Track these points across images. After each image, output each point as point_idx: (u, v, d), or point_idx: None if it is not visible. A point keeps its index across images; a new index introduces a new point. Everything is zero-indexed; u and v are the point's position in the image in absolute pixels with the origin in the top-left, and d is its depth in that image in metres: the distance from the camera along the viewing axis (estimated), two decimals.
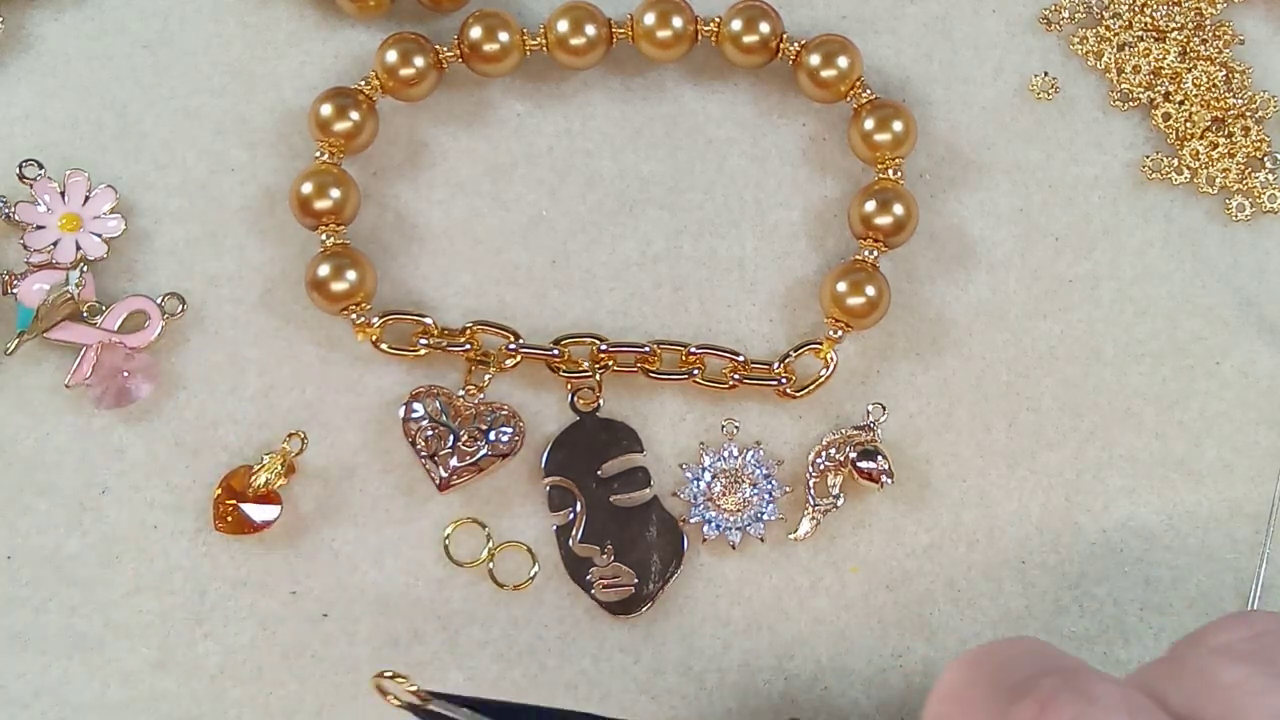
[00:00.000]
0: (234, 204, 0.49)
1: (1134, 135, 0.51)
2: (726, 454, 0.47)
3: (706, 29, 0.49)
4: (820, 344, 0.48)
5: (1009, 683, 0.34)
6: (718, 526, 0.46)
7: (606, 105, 0.51)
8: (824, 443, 0.47)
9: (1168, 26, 0.51)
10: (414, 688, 0.38)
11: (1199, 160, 0.50)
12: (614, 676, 0.46)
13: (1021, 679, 0.34)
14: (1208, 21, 0.51)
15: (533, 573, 0.46)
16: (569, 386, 0.48)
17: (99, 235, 0.48)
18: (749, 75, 0.51)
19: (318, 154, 0.48)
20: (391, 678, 0.38)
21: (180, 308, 0.48)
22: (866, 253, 0.48)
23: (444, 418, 0.47)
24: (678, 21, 0.49)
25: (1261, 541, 0.47)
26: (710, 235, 0.49)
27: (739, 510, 0.46)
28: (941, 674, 0.36)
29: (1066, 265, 0.49)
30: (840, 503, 0.47)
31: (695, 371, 0.47)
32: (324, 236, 0.48)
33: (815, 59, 0.49)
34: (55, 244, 0.48)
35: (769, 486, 0.47)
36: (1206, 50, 0.51)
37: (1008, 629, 0.46)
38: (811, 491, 0.47)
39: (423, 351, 0.47)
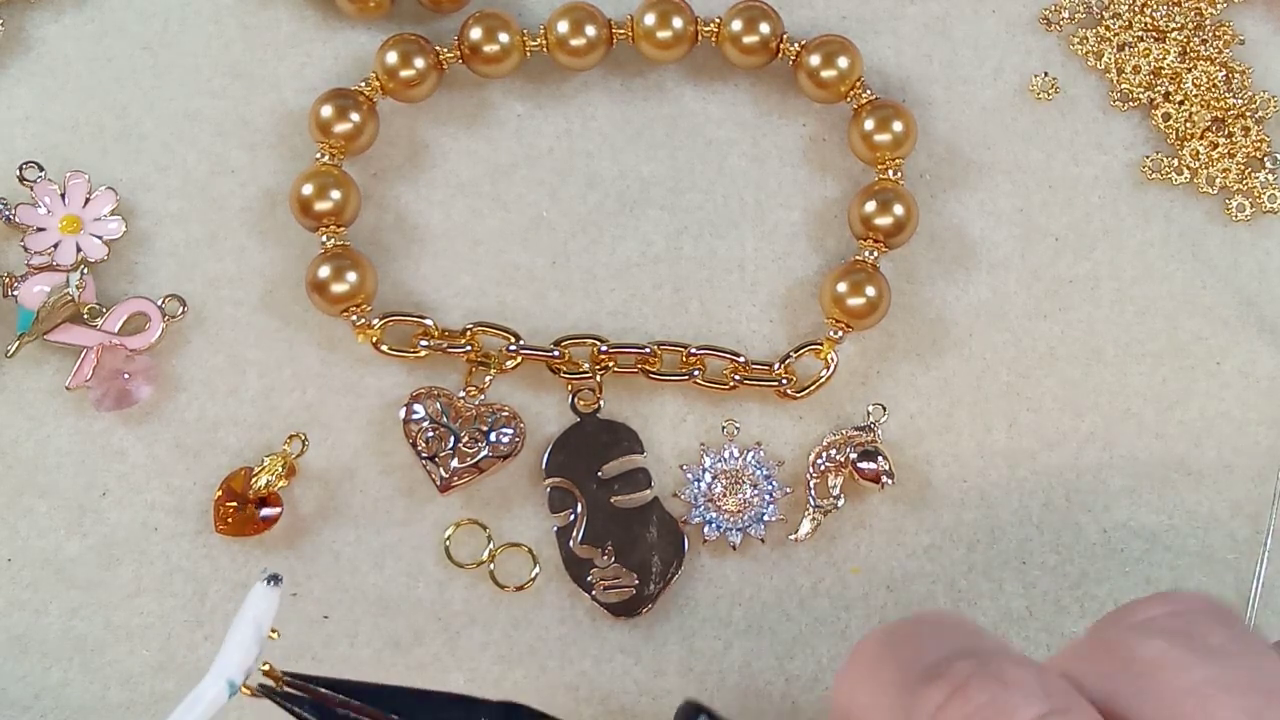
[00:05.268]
0: (234, 205, 0.49)
1: (1134, 135, 0.51)
2: (727, 455, 0.47)
3: (706, 29, 0.49)
4: (820, 344, 0.48)
5: (922, 663, 0.32)
6: (718, 527, 0.46)
7: (607, 106, 0.51)
8: (824, 443, 0.47)
9: (1168, 26, 0.51)
10: (266, 666, 0.36)
11: (1199, 160, 0.50)
12: (615, 678, 0.46)
13: (935, 660, 0.32)
14: (1208, 21, 0.51)
15: (534, 574, 0.46)
16: (569, 388, 0.48)
17: (99, 237, 0.48)
18: (749, 75, 0.51)
19: (318, 155, 0.48)
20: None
21: (181, 309, 0.48)
22: (866, 253, 0.48)
23: (444, 419, 0.47)
24: (678, 22, 0.49)
25: (1261, 541, 0.47)
26: (710, 236, 0.49)
27: (740, 511, 0.46)
28: (852, 649, 0.35)
29: (1066, 265, 0.49)
30: (841, 503, 0.47)
31: (696, 372, 0.47)
32: (324, 238, 0.48)
33: (815, 59, 0.49)
34: (56, 246, 0.48)
35: (769, 487, 0.47)
36: (1206, 50, 0.51)
37: (1008, 630, 0.46)
38: (812, 492, 0.47)
39: (423, 353, 0.47)
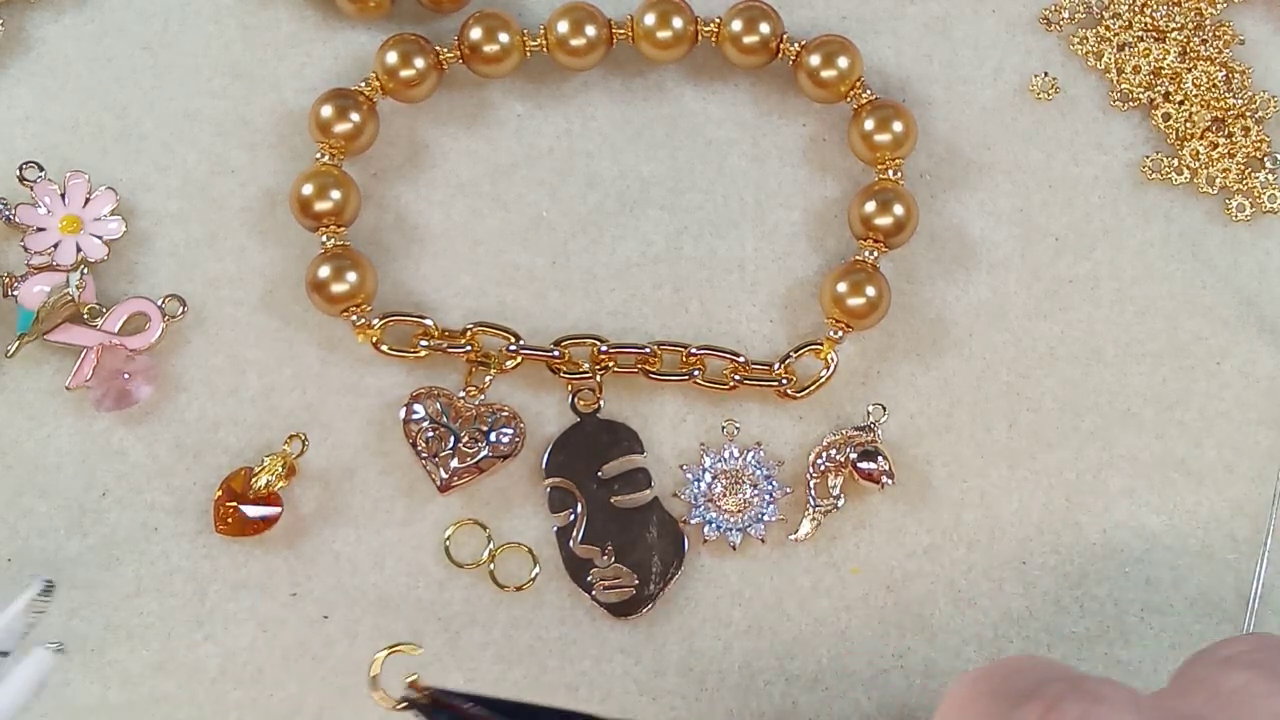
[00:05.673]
0: (234, 205, 0.49)
1: (1134, 135, 0.51)
2: (727, 455, 0.47)
3: (706, 29, 0.49)
4: (820, 344, 0.48)
5: (1015, 690, 0.34)
6: (718, 527, 0.46)
7: (607, 106, 0.51)
8: (824, 443, 0.47)
9: (1168, 26, 0.51)
10: (412, 677, 0.38)
11: (1199, 160, 0.50)
12: (615, 678, 0.46)
13: (1027, 685, 0.34)
14: (1208, 21, 0.51)
15: (533, 574, 0.46)
16: (569, 388, 0.48)
17: (99, 237, 0.48)
18: (749, 75, 0.51)
19: (318, 155, 0.48)
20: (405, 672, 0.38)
21: (180, 309, 0.48)
22: (867, 253, 0.48)
23: (444, 419, 0.47)
24: (678, 22, 0.49)
25: (1261, 541, 0.47)
26: (710, 236, 0.49)
27: (740, 511, 0.46)
28: (947, 690, 0.37)
29: (1066, 265, 0.49)
30: (841, 503, 0.47)
31: (696, 372, 0.47)
32: (324, 238, 0.48)
33: (815, 59, 0.49)
34: (56, 246, 0.48)
35: (769, 487, 0.47)
36: (1206, 50, 0.51)
37: (1008, 629, 0.46)
38: (812, 492, 0.47)
39: (423, 353, 0.47)
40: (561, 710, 0.38)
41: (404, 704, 0.38)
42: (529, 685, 0.46)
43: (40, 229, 0.48)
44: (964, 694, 0.36)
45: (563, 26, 0.49)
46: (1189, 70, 0.50)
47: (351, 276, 0.47)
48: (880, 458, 0.46)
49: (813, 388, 0.48)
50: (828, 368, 0.47)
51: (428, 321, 0.48)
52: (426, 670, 0.46)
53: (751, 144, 0.50)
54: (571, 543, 0.46)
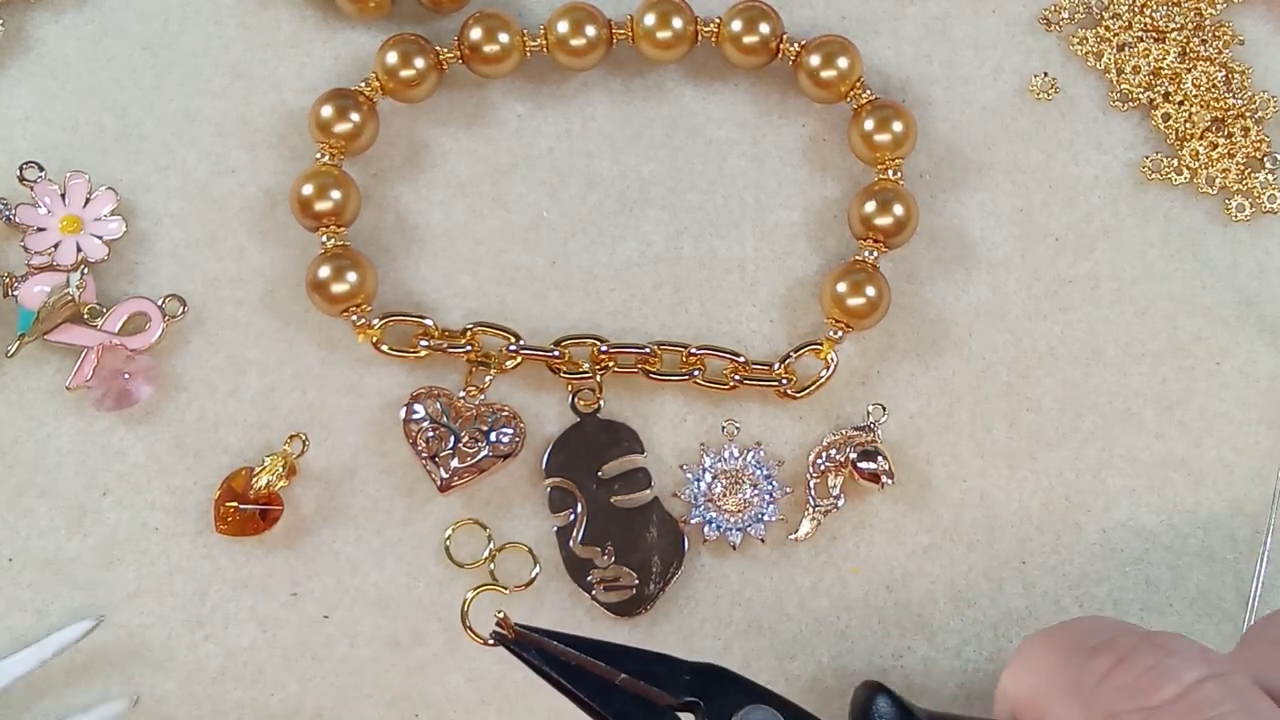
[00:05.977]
0: (234, 206, 0.49)
1: (1134, 135, 0.51)
2: (727, 455, 0.47)
3: (706, 29, 0.49)
4: (820, 344, 0.48)
5: (1086, 644, 0.35)
6: (718, 527, 0.46)
7: (607, 106, 0.51)
8: (824, 443, 0.47)
9: (1167, 27, 0.51)
10: (500, 614, 0.39)
11: (1199, 160, 0.50)
12: None
13: (1099, 639, 0.35)
14: (1208, 21, 0.51)
15: (534, 574, 0.46)
16: (570, 387, 0.48)
17: (100, 237, 0.48)
18: (749, 76, 0.51)
19: (318, 155, 0.48)
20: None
21: (181, 309, 0.48)
22: (866, 253, 0.48)
23: (445, 419, 0.47)
24: (678, 22, 0.49)
25: (1261, 541, 0.47)
26: (710, 236, 0.49)
27: (740, 511, 0.46)
28: (1017, 649, 0.38)
29: (1066, 265, 0.49)
30: (841, 503, 0.47)
31: (696, 372, 0.47)
32: (324, 238, 0.48)
33: (815, 59, 0.49)
34: (56, 246, 0.48)
35: (769, 487, 0.47)
36: (1206, 50, 0.51)
37: (1008, 629, 0.46)
38: (812, 492, 0.47)
39: (423, 353, 0.47)
40: (643, 650, 0.39)
41: (493, 640, 0.39)
42: (529, 686, 0.46)
43: (40, 229, 0.48)
44: (1035, 649, 0.37)
45: (563, 26, 0.49)
46: (1189, 70, 0.50)
47: (351, 276, 0.47)
48: (880, 457, 0.46)
49: (813, 388, 0.48)
50: (828, 368, 0.47)
51: (428, 321, 0.48)
52: (427, 670, 0.46)
53: (751, 144, 0.50)
54: (571, 543, 0.46)
